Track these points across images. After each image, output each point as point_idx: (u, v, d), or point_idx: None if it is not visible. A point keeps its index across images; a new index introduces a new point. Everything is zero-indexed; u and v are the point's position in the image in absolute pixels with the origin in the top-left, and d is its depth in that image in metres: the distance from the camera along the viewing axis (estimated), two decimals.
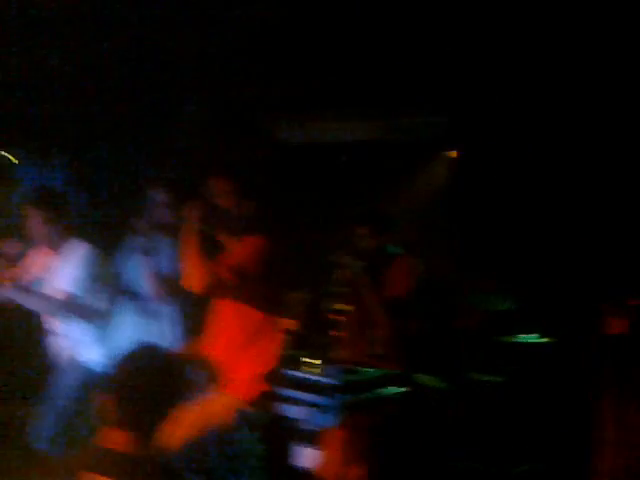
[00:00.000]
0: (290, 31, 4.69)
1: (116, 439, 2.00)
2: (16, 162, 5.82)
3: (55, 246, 4.18)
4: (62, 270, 4.15)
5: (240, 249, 3.48)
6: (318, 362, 4.22)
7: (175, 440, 2.22)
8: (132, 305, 4.11)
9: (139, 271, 4.05)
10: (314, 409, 3.88)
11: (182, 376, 2.26)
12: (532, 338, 5.17)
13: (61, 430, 3.98)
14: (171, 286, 3.91)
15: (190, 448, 2.96)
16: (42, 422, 4.03)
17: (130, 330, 4.09)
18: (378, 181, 6.19)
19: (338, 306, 4.92)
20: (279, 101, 5.89)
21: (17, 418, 4.61)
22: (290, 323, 5.04)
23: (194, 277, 3.44)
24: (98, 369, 4.04)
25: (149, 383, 2.06)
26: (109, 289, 4.06)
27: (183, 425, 2.13)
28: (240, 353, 3.46)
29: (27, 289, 3.99)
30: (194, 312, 3.92)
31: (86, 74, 5.18)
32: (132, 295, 4.09)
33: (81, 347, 4.13)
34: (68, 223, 4.20)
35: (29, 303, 4.01)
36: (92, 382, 4.02)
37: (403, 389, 4.15)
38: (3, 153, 5.91)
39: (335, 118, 6.12)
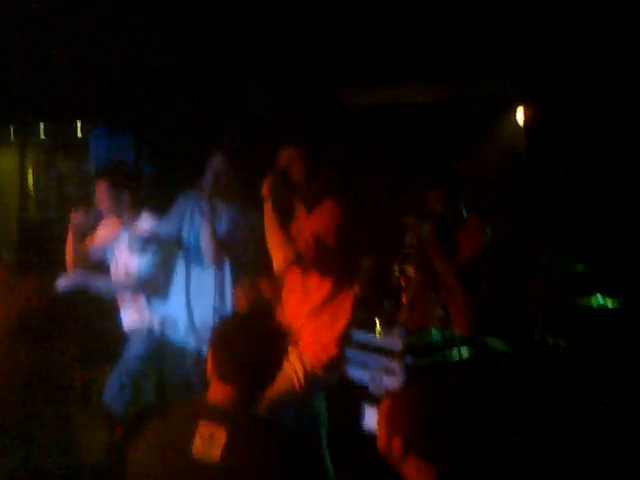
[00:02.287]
0: None
1: (218, 393, 2.16)
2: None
3: (124, 217, 4.29)
4: (130, 242, 4.29)
5: (316, 219, 3.45)
6: (386, 325, 4.25)
7: (265, 399, 2.38)
8: (192, 270, 4.18)
9: (198, 235, 4.09)
10: (381, 372, 3.91)
11: (278, 339, 2.33)
12: (606, 302, 5.04)
13: (126, 390, 4.19)
14: (230, 251, 3.96)
15: (271, 408, 3.01)
16: (111, 383, 4.23)
17: (194, 295, 4.17)
18: (448, 143, 6.09)
19: (407, 269, 4.92)
20: (348, 65, 5.84)
21: (96, 382, 4.81)
22: (360, 287, 5.06)
23: (279, 255, 3.37)
24: (163, 335, 4.22)
25: (246, 341, 2.18)
26: (173, 257, 4.17)
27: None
28: (312, 318, 3.46)
29: (98, 267, 4.16)
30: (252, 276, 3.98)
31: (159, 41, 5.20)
32: (192, 260, 4.15)
33: (148, 315, 4.29)
34: (136, 194, 4.31)
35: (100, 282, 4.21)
36: (157, 348, 4.22)
37: (469, 352, 4.13)
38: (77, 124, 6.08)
39: (403, 81, 6.04)
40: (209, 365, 2.20)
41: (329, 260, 3.39)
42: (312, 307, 3.45)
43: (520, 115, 6.28)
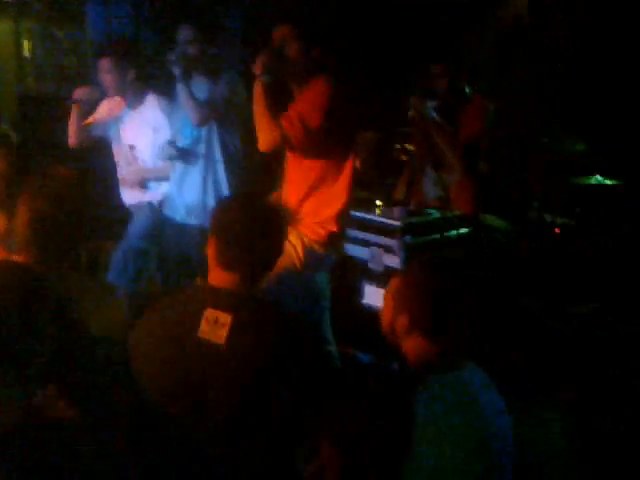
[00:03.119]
0: None
1: (221, 280, 2.18)
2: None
3: (127, 95, 4.27)
4: (133, 119, 4.30)
5: (304, 97, 3.33)
6: (385, 203, 4.29)
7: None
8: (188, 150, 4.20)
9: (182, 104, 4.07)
10: (380, 250, 3.98)
11: (278, 221, 2.32)
12: (604, 180, 5.08)
13: (130, 267, 4.32)
14: (207, 111, 3.97)
15: (272, 288, 3.05)
16: (116, 257, 4.36)
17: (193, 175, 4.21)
18: (454, 17, 5.96)
19: (409, 147, 4.92)
20: None
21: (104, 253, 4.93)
22: (359, 163, 5.08)
23: (265, 135, 3.30)
24: (163, 214, 4.30)
25: (247, 228, 2.18)
26: (175, 134, 4.18)
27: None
28: (309, 197, 3.42)
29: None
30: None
31: None
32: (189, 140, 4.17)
33: (150, 191, 4.35)
34: (139, 71, 4.27)
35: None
36: (158, 225, 4.30)
37: (468, 230, 4.20)
38: None
39: None
40: (210, 252, 2.21)
41: (320, 139, 3.29)
42: (308, 186, 3.41)
43: None
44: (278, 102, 3.39)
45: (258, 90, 3.32)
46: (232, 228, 2.19)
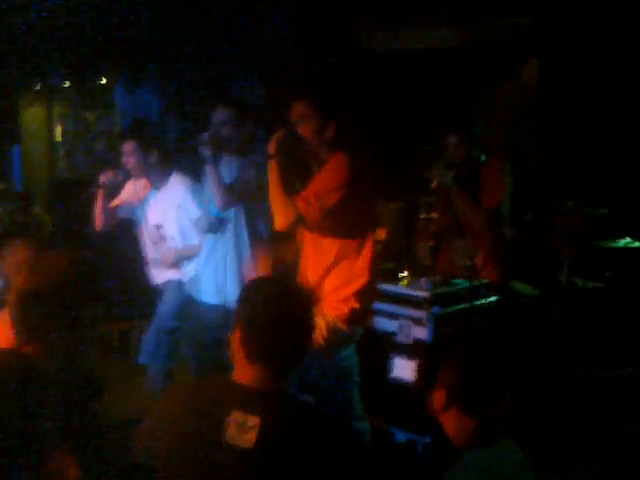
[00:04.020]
0: None
1: (246, 374, 2.06)
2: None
3: (152, 177, 4.33)
4: (158, 199, 4.34)
5: (319, 177, 3.30)
6: (412, 274, 4.27)
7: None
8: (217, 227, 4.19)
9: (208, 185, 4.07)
10: (408, 322, 3.95)
11: (307, 311, 2.14)
12: (629, 243, 5.06)
13: (162, 345, 4.31)
14: (234, 195, 3.94)
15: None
16: (147, 338, 4.36)
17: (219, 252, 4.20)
18: (465, 87, 6.05)
19: (433, 217, 4.94)
20: (368, 9, 5.79)
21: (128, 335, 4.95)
22: (384, 234, 5.08)
23: (281, 215, 3.28)
24: (190, 290, 4.30)
25: (274, 320, 2.04)
26: (202, 216, 4.19)
27: None
28: (330, 273, 3.36)
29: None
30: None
31: None
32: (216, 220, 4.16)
33: (179, 271, 4.36)
34: (163, 154, 4.33)
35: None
36: (189, 300, 4.29)
37: (497, 298, 4.17)
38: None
39: (422, 24, 5.97)
40: (236, 344, 2.07)
41: (337, 217, 3.25)
42: (327, 265, 3.36)
43: (537, 58, 6.22)
44: (295, 180, 3.38)
45: (272, 170, 3.30)
46: (258, 320, 2.03)
